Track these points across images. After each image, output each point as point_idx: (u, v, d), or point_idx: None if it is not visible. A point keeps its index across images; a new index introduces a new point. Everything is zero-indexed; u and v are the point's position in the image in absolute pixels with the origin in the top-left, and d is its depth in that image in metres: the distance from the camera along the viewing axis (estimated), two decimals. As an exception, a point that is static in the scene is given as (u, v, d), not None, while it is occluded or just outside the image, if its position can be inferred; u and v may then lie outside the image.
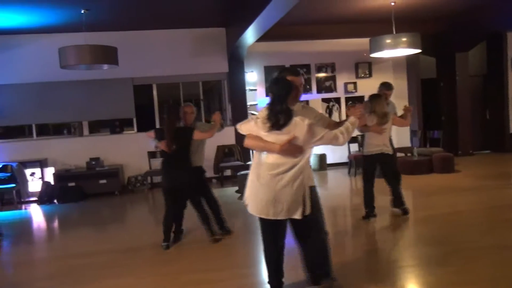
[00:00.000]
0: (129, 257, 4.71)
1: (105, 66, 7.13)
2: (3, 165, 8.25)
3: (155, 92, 9.51)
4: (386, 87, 5.95)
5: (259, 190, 3.06)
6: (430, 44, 10.06)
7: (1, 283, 4.33)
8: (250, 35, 7.54)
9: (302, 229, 3.20)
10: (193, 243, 5.00)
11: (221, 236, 5.05)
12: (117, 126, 9.62)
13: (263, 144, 3.05)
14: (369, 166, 5.53)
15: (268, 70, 9.98)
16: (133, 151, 9.19)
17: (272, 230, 3.20)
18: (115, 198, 8.44)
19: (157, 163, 9.13)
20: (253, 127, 3.09)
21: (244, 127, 3.20)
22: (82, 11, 7.08)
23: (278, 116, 2.97)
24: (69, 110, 9.03)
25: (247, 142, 3.16)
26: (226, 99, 9.79)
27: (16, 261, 5.09)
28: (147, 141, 9.10)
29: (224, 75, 9.64)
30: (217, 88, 10.40)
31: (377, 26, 8.62)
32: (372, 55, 7.40)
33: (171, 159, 4.80)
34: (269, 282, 3.36)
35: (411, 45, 6.86)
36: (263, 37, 7.91)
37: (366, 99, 6.39)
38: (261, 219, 3.16)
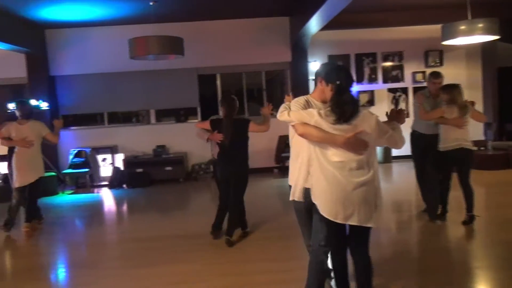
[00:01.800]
0: (192, 244, 4.84)
1: (172, 56, 7.30)
2: (78, 151, 8.79)
3: (218, 82, 9.66)
4: (433, 76, 5.41)
5: (328, 190, 2.70)
6: (509, 30, 9.33)
7: (73, 262, 4.63)
8: (314, 24, 7.39)
9: (362, 239, 2.85)
10: (256, 234, 5.03)
11: (237, 240, 4.80)
12: (182, 115, 9.88)
13: (324, 134, 2.63)
14: (443, 164, 5.00)
15: (332, 60, 9.77)
16: (197, 139, 9.24)
17: (339, 235, 2.85)
18: (179, 185, 8.71)
19: (219, 152, 9.35)
20: (315, 117, 2.66)
21: (294, 116, 2.76)
22: (151, 3, 7.30)
23: (344, 107, 2.60)
24: (137, 99, 9.42)
25: (304, 130, 2.70)
26: (289, 88, 9.72)
27: (87, 242, 5.41)
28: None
29: (287, 65, 9.56)
30: (279, 77, 10.35)
31: (449, 11, 8.11)
32: (444, 43, 6.98)
33: (227, 151, 4.68)
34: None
35: (488, 32, 6.35)
36: (327, 26, 7.71)
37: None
38: (328, 222, 2.76)
